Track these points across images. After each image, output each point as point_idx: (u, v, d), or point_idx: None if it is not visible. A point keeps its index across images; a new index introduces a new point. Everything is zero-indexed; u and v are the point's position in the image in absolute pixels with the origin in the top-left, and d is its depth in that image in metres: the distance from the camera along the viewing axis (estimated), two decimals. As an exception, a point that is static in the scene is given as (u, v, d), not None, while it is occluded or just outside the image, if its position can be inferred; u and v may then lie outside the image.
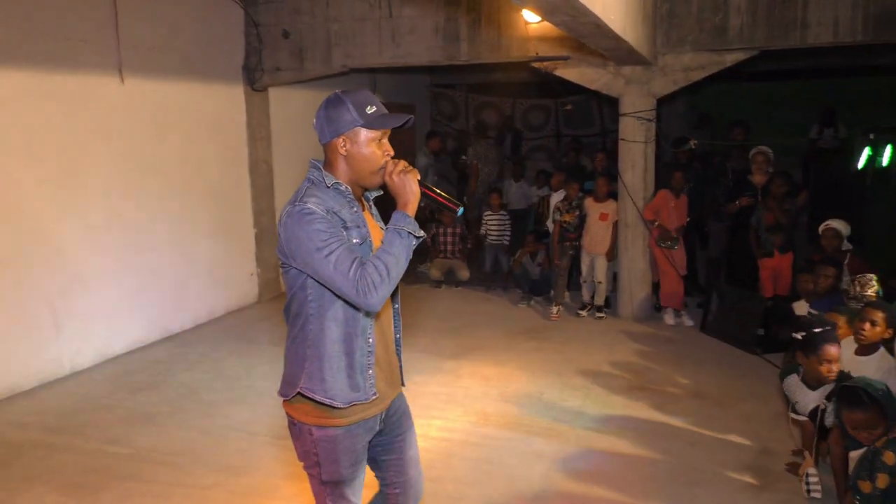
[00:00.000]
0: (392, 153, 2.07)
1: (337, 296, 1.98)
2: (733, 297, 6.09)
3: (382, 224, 2.22)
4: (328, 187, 2.05)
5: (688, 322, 6.39)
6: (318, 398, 2.03)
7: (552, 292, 6.99)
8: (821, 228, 5.46)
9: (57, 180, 5.15)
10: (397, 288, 2.12)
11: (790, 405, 3.68)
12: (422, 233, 2.01)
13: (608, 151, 7.79)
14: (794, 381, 3.54)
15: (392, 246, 1.94)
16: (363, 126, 2.00)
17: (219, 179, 6.81)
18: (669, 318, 6.43)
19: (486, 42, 6.42)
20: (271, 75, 7.09)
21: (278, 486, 3.62)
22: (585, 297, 6.85)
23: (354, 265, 1.89)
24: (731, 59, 5.91)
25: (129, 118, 5.75)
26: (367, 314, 2.06)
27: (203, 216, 6.59)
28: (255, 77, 7.07)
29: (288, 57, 6.99)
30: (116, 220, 5.64)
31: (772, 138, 7.18)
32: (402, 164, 2.02)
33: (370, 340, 2.09)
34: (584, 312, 6.76)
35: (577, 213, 6.81)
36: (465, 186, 9.34)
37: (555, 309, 6.74)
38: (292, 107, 7.83)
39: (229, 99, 6.95)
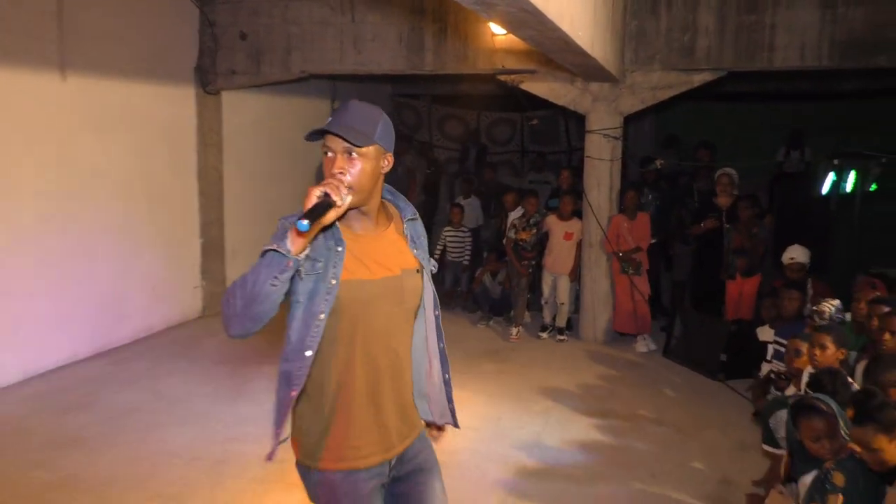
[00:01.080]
0: (341, 169, 1.85)
1: (309, 302, 1.89)
2: (697, 321, 6.16)
3: (418, 252, 2.07)
4: None
5: (652, 346, 6.44)
6: (297, 436, 2.02)
7: (512, 312, 6.98)
8: (785, 260, 5.57)
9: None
10: (431, 324, 2.16)
11: (764, 435, 3.72)
12: (284, 248, 1.74)
13: (574, 169, 7.86)
14: (783, 417, 3.55)
15: (256, 267, 1.80)
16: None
17: (165, 186, 6.67)
18: (641, 346, 6.45)
19: (452, 52, 6.43)
20: (226, 78, 6.98)
21: (216, 517, 3.51)
22: (547, 318, 6.85)
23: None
24: (698, 79, 6.03)
25: (70, 117, 5.59)
26: (323, 361, 1.91)
27: (146, 224, 6.44)
28: (208, 79, 6.95)
29: (244, 60, 6.90)
30: (49, 226, 5.46)
31: (738, 160, 7.33)
32: (337, 175, 1.85)
33: (329, 393, 1.94)
34: (545, 334, 6.77)
35: (535, 231, 6.83)
36: (430, 197, 9.35)
37: (514, 330, 6.74)
38: (247, 112, 7.72)
39: (180, 101, 6.82)
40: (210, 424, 4.59)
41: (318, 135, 1.91)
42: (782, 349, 4.43)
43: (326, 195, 1.74)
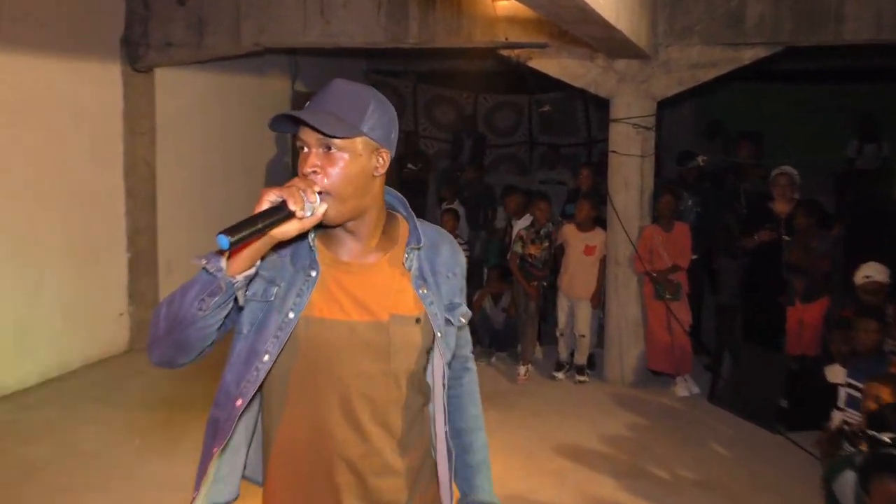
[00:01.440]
0: (314, 167, 1.75)
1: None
2: (750, 357, 6.16)
3: (427, 293, 1.91)
4: None
5: (694, 389, 6.44)
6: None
7: (519, 347, 6.97)
8: (859, 280, 5.56)
9: None
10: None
11: None
12: (215, 265, 1.68)
13: (595, 166, 7.87)
14: (850, 482, 3.53)
15: (188, 281, 1.78)
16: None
17: (82, 184, 6.66)
18: (681, 389, 6.44)
19: (443, 22, 6.44)
20: (160, 52, 6.99)
21: None
22: (563, 354, 6.85)
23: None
24: (749, 55, 6.05)
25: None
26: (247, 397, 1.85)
27: (57, 233, 6.43)
28: (137, 54, 6.97)
29: (183, 30, 6.90)
30: None
31: (798, 156, 7.36)
32: (306, 175, 1.76)
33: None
34: (560, 374, 6.76)
35: (547, 244, 6.84)
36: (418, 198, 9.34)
37: (522, 369, 6.73)
38: (186, 94, 7.75)
39: (101, 80, 6.84)
40: (136, 488, 4.56)
41: (289, 123, 1.78)
42: (858, 394, 4.42)
43: (283, 202, 1.62)
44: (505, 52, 6.61)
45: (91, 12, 6.64)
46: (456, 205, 8.44)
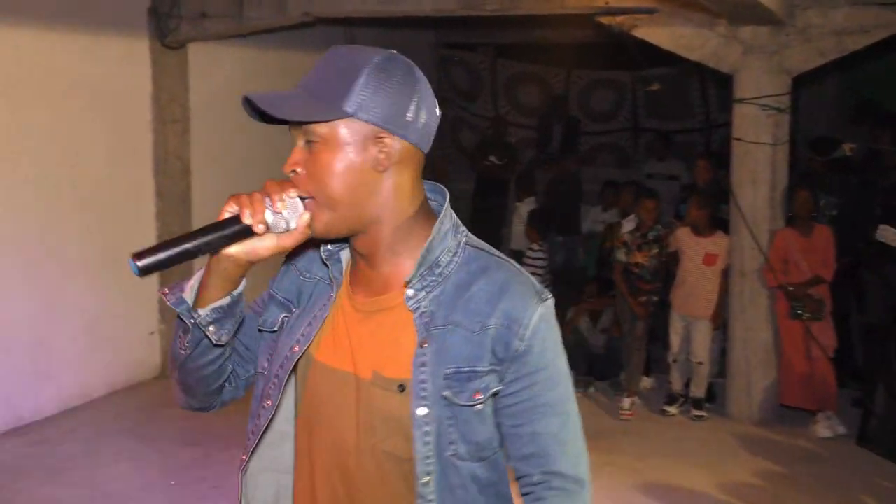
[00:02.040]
0: (294, 166, 1.64)
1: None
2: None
3: (426, 348, 1.63)
4: None
5: (839, 429, 6.38)
6: None
7: (623, 375, 7.00)
8: None
9: None
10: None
11: None
12: (174, 296, 1.67)
13: (715, 156, 7.83)
14: None
15: None
16: None
17: (105, 184, 6.86)
18: (823, 429, 6.37)
19: (530, -15, 6.54)
20: (193, 24, 7.19)
21: None
22: (676, 384, 6.86)
23: None
24: (909, 17, 5.99)
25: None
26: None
27: (78, 240, 6.66)
28: (168, 27, 7.17)
29: (220, -1, 7.12)
30: None
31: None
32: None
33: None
34: (673, 409, 6.77)
35: (656, 250, 6.85)
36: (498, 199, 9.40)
37: (627, 402, 6.75)
38: (224, 74, 7.94)
39: (126, 58, 7.06)
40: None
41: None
42: None
43: (236, 216, 1.54)
44: (605, 20, 6.64)
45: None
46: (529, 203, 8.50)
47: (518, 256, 7.88)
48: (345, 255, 1.75)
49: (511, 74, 11.55)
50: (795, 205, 6.47)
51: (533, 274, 1.75)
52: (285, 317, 1.77)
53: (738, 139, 6.51)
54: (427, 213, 1.67)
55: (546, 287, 1.68)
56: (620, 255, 6.90)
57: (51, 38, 6.40)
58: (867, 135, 8.91)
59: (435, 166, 9.33)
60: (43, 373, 6.37)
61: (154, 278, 7.31)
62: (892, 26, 6.05)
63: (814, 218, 6.66)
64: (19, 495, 5.21)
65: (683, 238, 6.81)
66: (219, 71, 7.91)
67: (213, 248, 1.53)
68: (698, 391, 6.75)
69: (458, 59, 11.55)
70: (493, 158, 9.89)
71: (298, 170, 1.59)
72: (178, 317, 1.64)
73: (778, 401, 6.65)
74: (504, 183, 10.24)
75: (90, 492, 5.27)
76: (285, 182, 1.59)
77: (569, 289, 7.72)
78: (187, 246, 1.48)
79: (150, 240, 7.30)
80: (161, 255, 1.47)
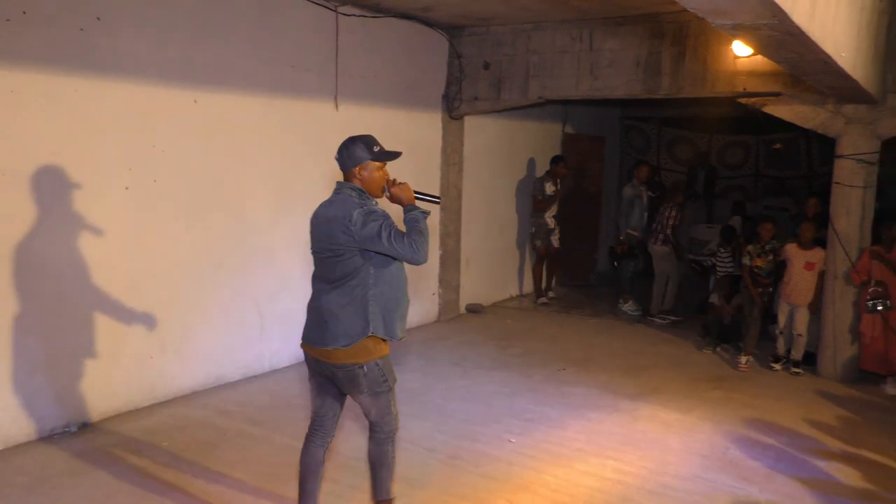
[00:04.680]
0: (390, 176, 3.13)
1: (393, 260, 2.98)
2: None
3: None
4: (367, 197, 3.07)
5: (907, 390, 5.69)
6: (380, 335, 3.00)
7: (741, 343, 6.53)
8: None
9: (273, 191, 5.68)
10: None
11: None
12: (428, 211, 3.06)
13: (821, 195, 7.18)
14: None
15: (417, 222, 2.94)
16: (371, 159, 3.06)
17: (412, 201, 7.13)
18: (892, 388, 5.73)
19: (689, 76, 6.20)
20: (469, 104, 7.34)
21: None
22: (780, 349, 6.32)
23: (404, 236, 2.87)
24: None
25: (340, 141, 6.17)
26: (403, 279, 3.11)
27: (395, 235, 6.92)
28: (453, 106, 7.35)
29: (486, 87, 7.21)
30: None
31: None
32: (396, 180, 3.12)
33: (408, 299, 3.17)
34: (777, 366, 6.25)
35: (771, 257, 6.34)
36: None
37: (744, 359, 6.30)
38: (485, 134, 8.05)
39: (428, 125, 7.28)
40: (444, 420, 4.83)
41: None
42: None
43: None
44: (743, 101, 6.21)
45: (422, 78, 7.09)
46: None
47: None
48: None
49: (671, 137, 11.10)
50: (893, 231, 5.79)
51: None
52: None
53: (838, 183, 5.90)
54: None
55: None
56: (746, 260, 6.46)
57: (388, 115, 6.71)
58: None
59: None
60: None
61: (436, 261, 7.54)
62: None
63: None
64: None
65: (792, 251, 6.26)
66: (482, 133, 8.00)
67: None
68: (797, 355, 6.20)
69: (635, 126, 11.21)
70: (650, 193, 9.52)
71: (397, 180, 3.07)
72: (425, 216, 3.04)
73: (857, 366, 6.00)
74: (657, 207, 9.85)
75: (397, 387, 5.44)
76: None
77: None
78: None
79: (436, 237, 7.51)
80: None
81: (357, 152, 3.05)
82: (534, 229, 8.44)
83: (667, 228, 7.85)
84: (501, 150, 8.48)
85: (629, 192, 8.14)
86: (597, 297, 9.04)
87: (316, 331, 3.05)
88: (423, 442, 4.46)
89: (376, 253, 2.93)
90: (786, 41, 2.89)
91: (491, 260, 8.44)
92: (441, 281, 7.62)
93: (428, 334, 7.10)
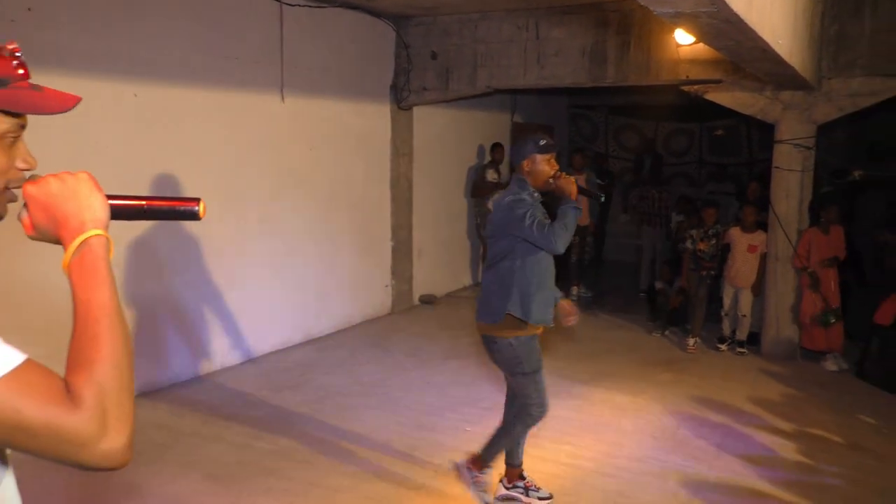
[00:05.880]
0: (557, 167, 3.26)
1: (538, 248, 3.16)
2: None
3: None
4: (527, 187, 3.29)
5: (843, 365, 5.91)
6: (519, 317, 3.24)
7: (689, 325, 6.69)
8: None
9: (220, 186, 5.55)
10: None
11: None
12: (579, 206, 3.14)
13: (762, 180, 7.40)
14: None
15: (566, 216, 3.10)
16: (537, 153, 3.26)
17: (362, 193, 7.08)
18: (831, 365, 5.95)
19: (634, 64, 6.29)
20: (418, 94, 7.30)
21: (408, 497, 3.68)
22: (726, 330, 6.50)
23: (546, 225, 3.08)
24: (906, 84, 5.45)
25: (287, 133, 6.11)
26: (552, 267, 3.33)
27: (346, 228, 6.86)
28: (402, 96, 7.30)
29: (434, 77, 7.18)
30: (266, 227, 5.99)
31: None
32: (564, 174, 3.24)
33: (552, 289, 3.37)
34: (723, 346, 6.43)
35: (714, 241, 6.50)
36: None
37: (692, 341, 6.45)
38: (434, 124, 8.03)
39: (377, 117, 7.22)
40: (401, 411, 4.82)
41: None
42: None
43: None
44: (685, 88, 6.34)
45: (370, 68, 7.02)
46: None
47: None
48: None
49: (618, 125, 11.26)
50: (830, 214, 6.01)
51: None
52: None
53: (778, 167, 6.09)
54: None
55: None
56: (689, 244, 6.61)
57: (337, 106, 6.61)
58: (879, 168, 8.27)
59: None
60: (324, 307, 6.62)
61: (388, 253, 7.50)
62: (893, 91, 5.52)
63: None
64: (312, 381, 5.42)
65: (735, 234, 6.44)
66: (432, 123, 7.97)
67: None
68: (742, 335, 6.39)
69: (583, 114, 11.34)
70: (598, 181, 9.66)
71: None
72: (576, 212, 3.18)
73: (799, 345, 6.21)
74: (607, 196, 10.03)
75: (353, 381, 5.44)
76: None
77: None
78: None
79: (387, 229, 7.48)
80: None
81: (524, 147, 3.29)
82: (479, 219, 8.49)
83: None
84: (451, 141, 8.48)
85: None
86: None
87: (478, 306, 3.42)
88: (379, 434, 4.44)
89: (523, 239, 3.18)
90: (725, 29, 2.95)
91: (443, 250, 8.45)
92: (393, 272, 7.59)
93: (382, 326, 7.07)
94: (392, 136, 7.41)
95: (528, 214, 3.13)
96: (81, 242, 1.00)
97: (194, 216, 1.14)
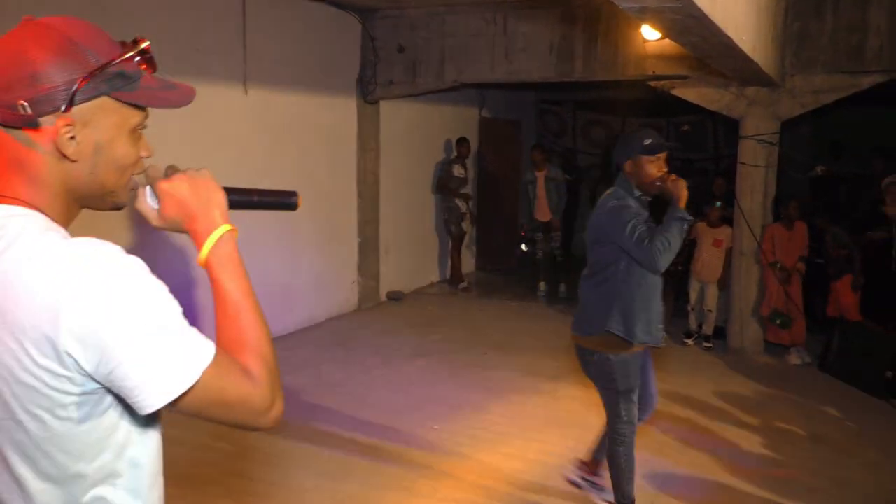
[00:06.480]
0: (665, 170, 2.99)
1: (638, 263, 2.89)
2: (858, 334, 5.72)
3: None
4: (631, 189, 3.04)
5: (806, 359, 6.06)
6: (618, 334, 3.00)
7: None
8: None
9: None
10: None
11: None
12: (689, 217, 2.82)
13: (726, 175, 7.53)
14: None
15: (670, 226, 2.79)
16: (641, 153, 2.97)
17: (328, 189, 7.04)
18: (795, 359, 6.09)
19: (601, 60, 6.36)
20: (384, 88, 7.27)
21: (376, 498, 3.68)
22: (692, 325, 6.62)
23: (648, 238, 2.79)
24: (867, 81, 5.60)
25: (250, 126, 6.04)
26: (659, 282, 3.04)
27: (311, 224, 6.80)
28: (368, 90, 7.27)
29: (401, 71, 7.16)
30: (230, 221, 5.89)
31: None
32: (674, 176, 2.92)
33: (660, 304, 3.11)
34: (690, 341, 6.54)
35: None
36: (570, 204, 9.23)
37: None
38: (402, 119, 8.01)
39: (343, 111, 7.18)
40: (366, 410, 4.80)
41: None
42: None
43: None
44: (652, 83, 6.42)
45: (335, 61, 6.98)
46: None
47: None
48: None
49: (586, 120, 11.36)
50: (790, 209, 6.14)
51: None
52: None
53: (743, 163, 6.21)
54: None
55: None
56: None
57: (300, 99, 6.55)
58: (841, 164, 8.47)
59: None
60: (287, 304, 6.57)
61: (354, 249, 7.47)
62: (855, 87, 5.67)
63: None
64: (274, 380, 5.36)
65: (701, 229, 6.55)
66: (399, 118, 7.95)
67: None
68: (708, 330, 6.51)
69: (551, 110, 11.41)
70: (567, 176, 9.75)
71: None
72: (684, 224, 2.84)
73: (764, 338, 6.35)
74: (576, 191, 10.11)
75: (316, 380, 5.41)
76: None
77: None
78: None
79: (354, 224, 7.44)
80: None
81: (627, 146, 3.04)
82: (446, 214, 8.50)
83: None
84: (418, 135, 8.47)
85: (526, 177, 8.39)
86: (517, 282, 9.19)
87: (575, 317, 3.25)
88: (344, 433, 4.43)
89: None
90: (689, 24, 3.00)
91: (410, 246, 8.44)
92: (360, 269, 7.57)
93: (348, 323, 7.04)
94: (358, 131, 7.38)
95: (631, 224, 2.85)
96: (218, 238, 1.17)
97: (293, 207, 1.32)
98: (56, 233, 1.03)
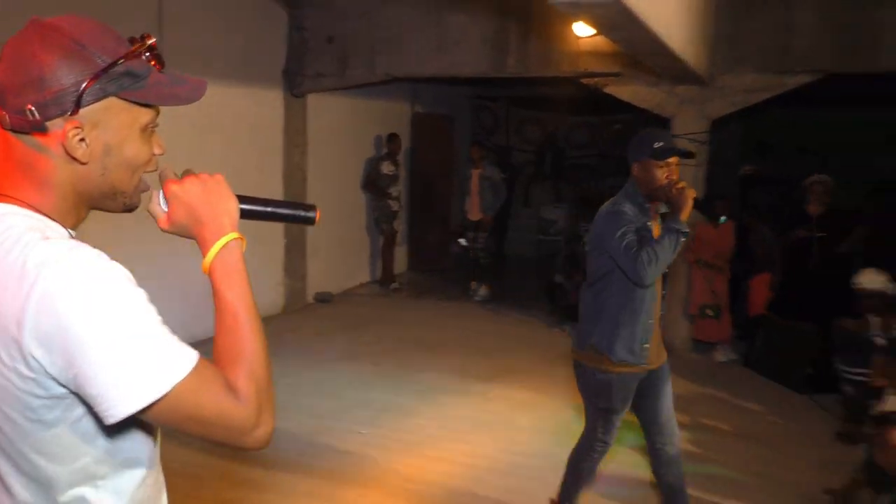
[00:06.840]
0: (676, 176, 2.77)
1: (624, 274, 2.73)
2: (780, 331, 5.94)
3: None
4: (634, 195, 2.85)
5: (731, 356, 6.26)
6: (600, 349, 2.89)
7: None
8: (856, 285, 4.85)
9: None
10: (665, 277, 2.95)
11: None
12: (687, 229, 2.65)
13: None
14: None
15: (662, 238, 2.65)
16: (649, 157, 2.77)
17: (253, 185, 6.85)
18: (721, 355, 6.28)
19: (535, 55, 6.40)
20: (312, 81, 7.14)
21: (299, 505, 3.59)
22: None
23: (636, 248, 2.64)
24: (793, 81, 5.79)
25: (171, 120, 5.78)
26: (650, 297, 2.83)
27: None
28: (295, 82, 7.12)
29: (330, 63, 7.04)
30: (148, 219, 5.68)
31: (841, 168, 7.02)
32: (683, 184, 2.72)
33: (650, 321, 2.87)
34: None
35: None
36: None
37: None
38: (331, 114, 7.89)
39: (268, 104, 7.01)
40: (291, 416, 4.69)
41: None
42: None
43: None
44: (585, 80, 6.51)
45: (260, 52, 6.81)
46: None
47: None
48: None
49: (520, 117, 11.45)
50: (716, 208, 6.30)
51: None
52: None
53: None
54: None
55: None
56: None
57: (224, 92, 6.35)
58: (766, 163, 8.76)
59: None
60: (208, 306, 6.31)
61: (280, 250, 7.31)
62: (782, 87, 5.86)
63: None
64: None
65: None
66: (328, 112, 7.84)
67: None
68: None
69: (484, 106, 11.46)
70: (501, 174, 9.82)
71: None
72: (679, 238, 2.64)
73: (691, 336, 6.52)
74: (509, 188, 10.16)
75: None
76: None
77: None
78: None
79: (279, 224, 7.27)
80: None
81: (636, 148, 2.84)
82: (377, 213, 8.43)
83: None
84: (349, 131, 8.36)
85: (463, 173, 8.40)
86: (450, 282, 9.18)
87: (575, 325, 3.16)
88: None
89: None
90: (619, 21, 3.03)
91: (340, 246, 8.32)
92: (286, 270, 7.41)
93: (273, 327, 6.88)
94: (285, 125, 7.22)
95: (621, 232, 2.71)
96: (223, 246, 1.15)
97: (311, 221, 1.29)
98: (38, 234, 1.00)
